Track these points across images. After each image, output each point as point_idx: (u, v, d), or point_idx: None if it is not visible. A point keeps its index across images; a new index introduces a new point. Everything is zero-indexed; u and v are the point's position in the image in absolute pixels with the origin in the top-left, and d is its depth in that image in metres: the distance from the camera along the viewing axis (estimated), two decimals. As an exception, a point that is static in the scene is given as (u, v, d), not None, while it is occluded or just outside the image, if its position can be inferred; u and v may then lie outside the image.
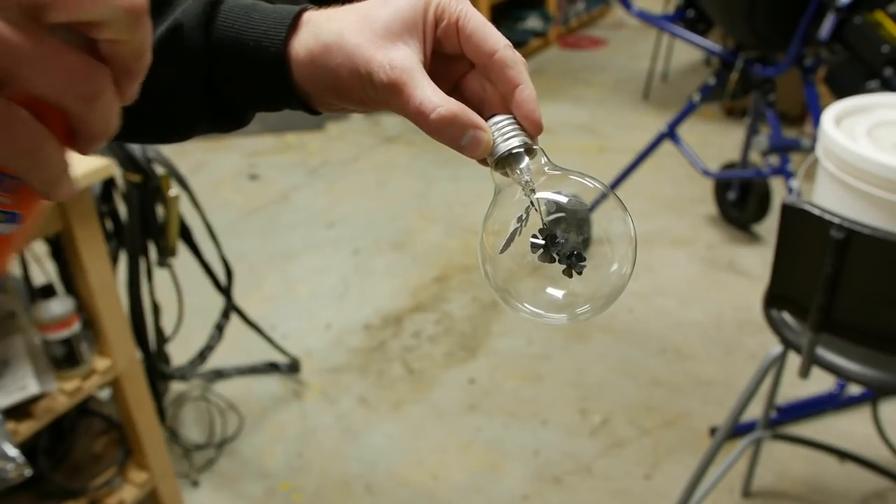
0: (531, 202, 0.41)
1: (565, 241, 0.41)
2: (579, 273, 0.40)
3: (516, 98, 0.42)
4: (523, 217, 0.41)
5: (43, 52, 0.27)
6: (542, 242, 0.41)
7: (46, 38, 0.27)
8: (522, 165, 0.42)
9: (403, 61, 0.41)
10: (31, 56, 0.27)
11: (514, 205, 0.42)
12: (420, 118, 0.41)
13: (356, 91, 0.43)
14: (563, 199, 0.41)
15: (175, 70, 0.46)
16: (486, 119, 0.43)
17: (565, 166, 0.43)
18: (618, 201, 0.42)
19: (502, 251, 0.41)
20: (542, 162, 0.43)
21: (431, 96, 0.41)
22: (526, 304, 0.43)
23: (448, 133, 0.41)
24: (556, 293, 0.42)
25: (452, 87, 0.47)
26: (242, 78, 0.46)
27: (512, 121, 0.42)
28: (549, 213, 0.41)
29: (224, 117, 0.49)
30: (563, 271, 0.41)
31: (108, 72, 0.29)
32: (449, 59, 0.45)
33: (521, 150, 0.42)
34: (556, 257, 0.41)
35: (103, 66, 0.29)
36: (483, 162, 0.43)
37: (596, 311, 0.43)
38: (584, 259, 0.40)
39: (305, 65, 0.43)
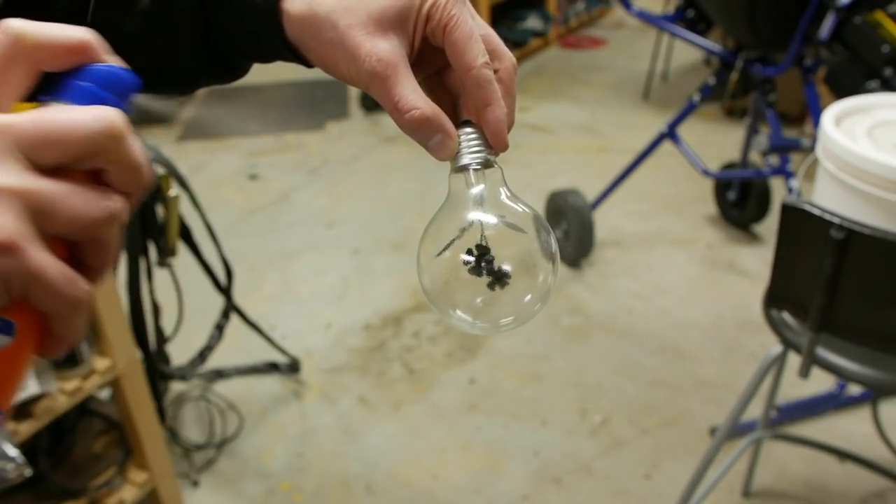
0: (476, 218, 0.44)
1: (494, 258, 0.44)
2: (501, 288, 0.44)
3: (485, 117, 0.44)
4: (465, 228, 0.44)
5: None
6: (474, 257, 0.44)
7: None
8: (475, 188, 0.44)
9: (390, 55, 0.42)
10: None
11: (460, 215, 0.45)
12: (396, 114, 0.43)
13: (342, 69, 0.44)
14: (504, 223, 0.45)
15: (172, 28, 0.46)
16: (462, 123, 0.45)
17: (517, 194, 0.46)
18: (548, 229, 0.46)
19: (438, 255, 0.44)
20: (498, 182, 0.45)
21: (409, 95, 0.42)
22: (456, 311, 0.46)
23: (418, 133, 0.43)
24: (483, 303, 0.45)
25: (435, 72, 0.48)
26: (237, 34, 0.47)
27: (480, 134, 0.45)
28: (489, 231, 0.45)
29: (223, 70, 0.50)
30: (488, 284, 0.44)
31: (117, 193, 0.31)
32: (436, 49, 0.45)
33: (479, 167, 0.45)
34: (484, 272, 0.44)
35: (111, 189, 0.31)
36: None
37: (519, 322, 0.46)
38: (510, 277, 0.44)
39: (298, 26, 0.44)
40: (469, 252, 0.44)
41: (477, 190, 0.44)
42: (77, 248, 0.32)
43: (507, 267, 0.44)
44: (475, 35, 0.43)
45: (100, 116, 0.30)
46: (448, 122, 0.43)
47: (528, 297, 0.45)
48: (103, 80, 0.32)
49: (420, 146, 0.45)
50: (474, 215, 0.44)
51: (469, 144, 0.45)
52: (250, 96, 4.34)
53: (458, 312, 0.45)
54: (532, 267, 0.45)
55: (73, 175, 0.30)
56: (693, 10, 2.51)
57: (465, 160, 0.44)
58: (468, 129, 0.45)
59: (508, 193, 0.45)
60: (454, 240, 0.44)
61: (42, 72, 0.32)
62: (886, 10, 1.95)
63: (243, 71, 0.51)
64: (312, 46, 0.44)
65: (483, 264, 0.44)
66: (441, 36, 0.43)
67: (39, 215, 0.29)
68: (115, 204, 0.31)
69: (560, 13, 5.20)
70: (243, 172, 3.45)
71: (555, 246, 0.46)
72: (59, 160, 0.29)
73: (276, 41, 0.45)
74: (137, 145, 0.31)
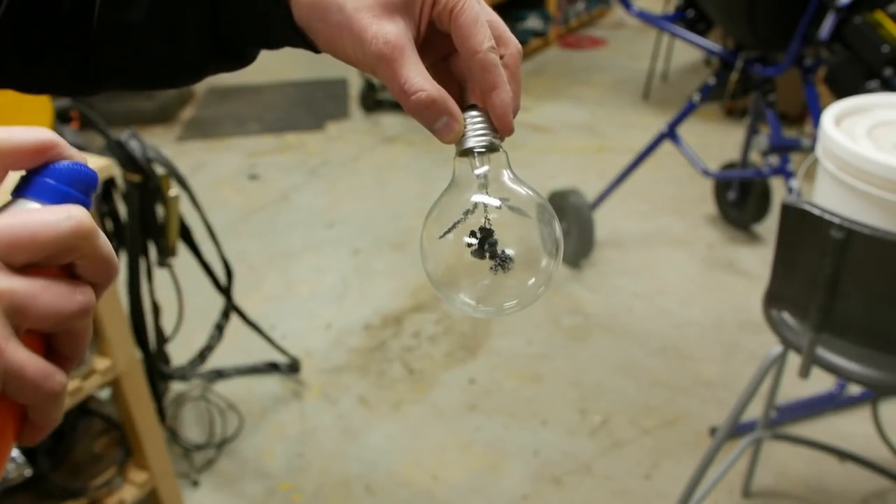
0: (480, 201, 0.44)
1: (498, 241, 0.44)
2: (504, 271, 0.44)
3: (491, 101, 0.44)
4: (470, 210, 0.44)
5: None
6: (478, 239, 0.44)
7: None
8: (479, 170, 0.44)
9: (397, 38, 0.42)
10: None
11: (464, 197, 0.45)
12: (402, 96, 0.43)
13: (348, 51, 0.44)
14: (508, 206, 0.44)
15: (180, 14, 0.46)
16: (468, 107, 0.45)
17: (521, 177, 0.46)
18: (552, 213, 0.46)
19: (441, 237, 0.44)
20: (503, 166, 0.45)
21: (415, 77, 0.42)
22: (459, 294, 0.45)
23: (424, 115, 0.43)
24: (485, 287, 0.45)
25: (443, 58, 0.48)
26: (246, 17, 0.47)
27: (486, 118, 0.45)
28: (492, 214, 0.44)
29: (230, 57, 0.50)
30: (491, 267, 0.44)
31: (88, 285, 0.32)
32: (443, 35, 0.45)
33: (484, 150, 0.44)
34: (488, 255, 0.44)
35: (82, 281, 0.32)
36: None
37: (523, 306, 0.46)
38: (513, 260, 0.44)
39: (305, 9, 0.44)
40: (472, 234, 0.44)
41: (481, 172, 0.44)
42: (51, 337, 0.32)
43: (510, 251, 0.44)
44: (481, 19, 0.43)
45: (69, 216, 0.30)
46: (454, 105, 0.43)
47: (532, 280, 0.45)
48: (68, 177, 0.33)
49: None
50: (478, 198, 0.44)
51: (474, 128, 0.44)
52: (250, 96, 4.34)
53: (461, 296, 0.45)
54: (536, 251, 0.45)
55: (44, 271, 0.31)
56: (693, 10, 2.51)
57: (470, 143, 0.44)
58: (473, 113, 0.45)
59: (513, 177, 0.45)
60: (458, 222, 0.44)
61: (7, 172, 0.33)
62: (886, 10, 1.95)
63: (250, 58, 0.51)
64: (319, 29, 0.44)
65: (486, 247, 0.43)
66: (447, 20, 0.44)
67: (15, 313, 0.30)
68: (86, 297, 0.32)
69: (560, 13, 5.21)
70: (243, 172, 3.45)
71: (559, 230, 0.45)
72: (31, 259, 0.30)
73: (285, 24, 0.45)
74: (104, 239, 0.32)
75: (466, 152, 0.45)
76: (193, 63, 0.49)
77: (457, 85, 0.48)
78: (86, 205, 0.34)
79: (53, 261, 0.31)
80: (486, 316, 0.46)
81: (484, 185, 0.44)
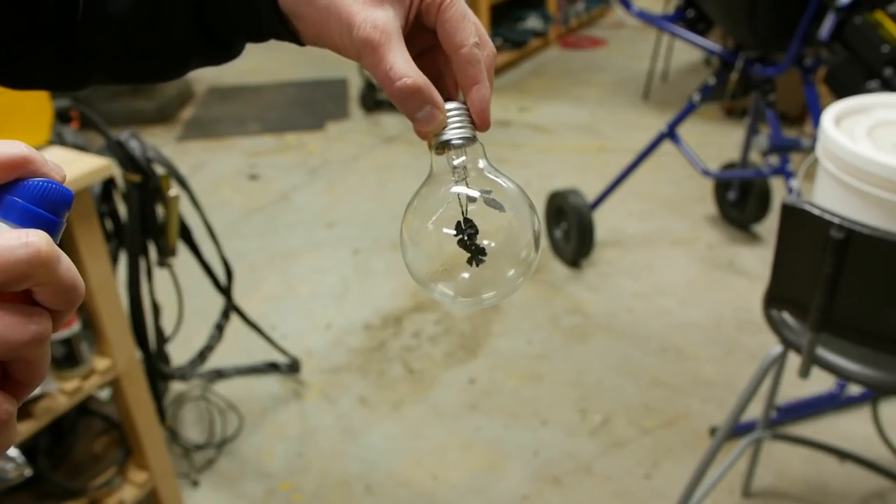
0: (459, 192, 0.44)
1: (474, 233, 0.44)
2: (477, 265, 0.44)
3: (471, 95, 0.45)
4: (448, 203, 0.44)
5: None
6: (456, 230, 0.44)
7: None
8: (458, 160, 0.45)
9: (385, 24, 0.42)
10: None
11: (442, 190, 0.45)
12: (386, 82, 0.43)
13: (335, 37, 0.44)
14: (486, 198, 0.45)
15: (166, 5, 0.46)
16: (445, 100, 0.45)
17: (499, 170, 0.46)
18: (531, 204, 0.46)
19: (420, 229, 0.45)
20: (480, 158, 0.46)
21: (401, 64, 0.42)
22: (438, 285, 0.46)
23: (408, 103, 0.43)
24: (464, 278, 0.45)
25: (417, 54, 0.48)
26: (232, 7, 0.47)
27: (465, 112, 0.45)
28: (470, 206, 0.45)
29: (215, 49, 0.50)
30: (468, 260, 0.44)
31: (45, 313, 0.31)
32: (421, 30, 0.46)
33: (462, 143, 0.45)
34: (465, 247, 0.44)
35: (38, 309, 0.31)
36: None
37: (501, 297, 0.46)
38: (486, 254, 0.44)
39: None
40: (451, 226, 0.44)
41: (459, 163, 0.45)
42: (6, 363, 0.31)
43: (486, 242, 0.44)
44: (469, 15, 0.44)
45: (26, 243, 0.29)
46: (438, 95, 0.43)
47: (511, 271, 0.45)
48: (38, 196, 0.32)
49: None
50: (457, 190, 0.44)
51: (452, 121, 0.45)
52: (250, 96, 4.34)
53: (440, 287, 0.45)
54: (515, 241, 0.45)
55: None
56: (693, 10, 2.51)
57: (448, 135, 0.45)
58: (453, 105, 0.45)
59: (491, 168, 0.46)
60: (437, 215, 0.44)
61: None
62: (886, 10, 1.95)
63: (236, 51, 0.51)
64: (305, 14, 0.44)
65: (465, 238, 0.44)
66: (434, 13, 0.44)
67: None
68: (40, 327, 0.30)
69: (560, 13, 5.20)
70: (243, 172, 3.45)
71: (537, 222, 0.46)
72: None
73: (270, 15, 0.45)
74: (68, 265, 0.31)
75: (444, 144, 0.45)
76: (179, 56, 0.49)
77: (437, 78, 0.48)
78: (57, 226, 0.32)
79: (7, 287, 0.30)
80: (465, 307, 0.47)
81: (462, 177, 0.45)
